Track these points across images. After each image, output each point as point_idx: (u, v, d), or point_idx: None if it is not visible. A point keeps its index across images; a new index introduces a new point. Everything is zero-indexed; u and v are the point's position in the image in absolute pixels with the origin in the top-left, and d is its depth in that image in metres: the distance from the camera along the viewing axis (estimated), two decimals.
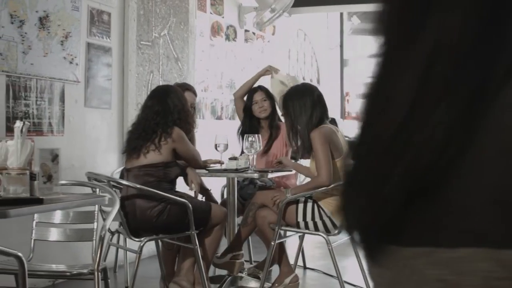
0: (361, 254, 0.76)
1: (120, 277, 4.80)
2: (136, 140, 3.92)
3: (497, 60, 0.59)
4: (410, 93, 0.61)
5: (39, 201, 2.35)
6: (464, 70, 0.59)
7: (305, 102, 4.01)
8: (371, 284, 0.73)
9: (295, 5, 7.22)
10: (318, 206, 4.03)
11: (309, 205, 4.03)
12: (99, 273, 2.82)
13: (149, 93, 5.51)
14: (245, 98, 4.89)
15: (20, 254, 2.21)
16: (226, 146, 4.44)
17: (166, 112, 3.94)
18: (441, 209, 0.61)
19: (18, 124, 2.55)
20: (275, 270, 4.47)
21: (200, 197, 4.35)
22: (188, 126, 4.00)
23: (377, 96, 0.66)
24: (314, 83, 9.37)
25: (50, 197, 2.49)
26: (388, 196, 0.63)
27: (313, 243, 5.81)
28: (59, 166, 2.60)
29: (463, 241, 0.58)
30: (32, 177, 2.49)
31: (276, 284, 4.22)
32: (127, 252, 4.52)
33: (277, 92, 4.72)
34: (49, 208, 2.51)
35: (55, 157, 2.61)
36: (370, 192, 0.66)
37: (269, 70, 4.90)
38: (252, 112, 4.79)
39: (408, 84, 0.62)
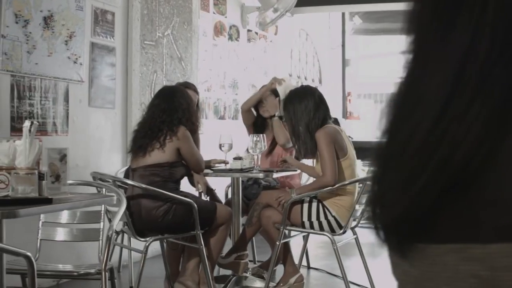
0: (386, 253, 0.75)
1: (124, 277, 4.80)
2: (142, 138, 3.92)
3: None
4: (445, 89, 0.61)
5: (48, 201, 2.35)
6: (497, 68, 0.59)
7: (307, 104, 4.02)
8: (396, 283, 0.73)
9: (298, 4, 7.23)
10: (323, 206, 4.03)
11: (314, 204, 4.03)
12: (106, 273, 2.82)
13: (155, 92, 5.54)
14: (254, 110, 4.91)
15: (29, 254, 2.21)
16: (231, 146, 4.44)
17: (172, 110, 3.94)
18: (475, 204, 0.60)
19: (26, 123, 2.55)
20: (279, 270, 4.46)
21: (204, 197, 4.35)
22: (193, 126, 4.00)
23: (410, 93, 0.66)
24: (316, 83, 9.37)
25: (58, 197, 2.49)
26: (421, 191, 0.63)
27: (316, 243, 5.81)
28: (68, 166, 2.59)
29: (499, 236, 0.58)
30: (41, 177, 2.48)
31: (281, 284, 4.22)
32: (131, 252, 4.52)
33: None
34: (58, 208, 2.50)
35: (63, 157, 2.61)
36: (403, 186, 0.65)
37: (274, 83, 4.87)
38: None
39: (443, 81, 0.61)
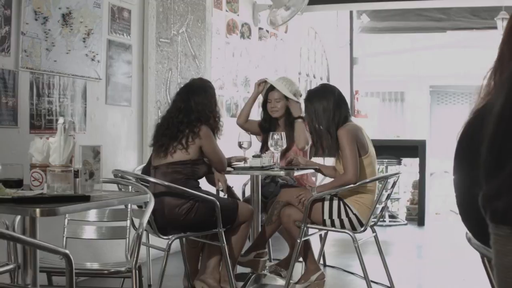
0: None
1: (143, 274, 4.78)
2: (162, 137, 3.92)
3: None
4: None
5: (86, 199, 2.34)
6: None
7: (328, 102, 4.02)
8: (498, 272, 0.73)
9: (307, 3, 7.22)
10: (344, 204, 4.02)
11: (335, 202, 4.03)
12: (137, 271, 2.82)
13: (169, 90, 5.53)
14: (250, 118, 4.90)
15: (67, 251, 2.20)
16: (250, 144, 4.44)
17: (188, 110, 3.93)
18: None
19: (61, 120, 2.54)
20: (297, 267, 4.46)
21: (222, 194, 4.34)
22: (215, 124, 3.97)
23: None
24: (324, 81, 9.37)
25: (93, 194, 2.48)
26: None
27: (330, 240, 5.81)
28: (101, 163, 2.59)
29: None
30: (75, 174, 2.48)
31: (302, 281, 4.22)
32: (150, 249, 4.51)
33: (282, 87, 4.69)
34: (95, 205, 2.49)
35: (96, 154, 2.60)
36: None
37: (260, 85, 4.86)
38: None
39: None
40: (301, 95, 4.78)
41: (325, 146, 4.01)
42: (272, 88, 4.77)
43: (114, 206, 2.99)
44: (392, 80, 13.34)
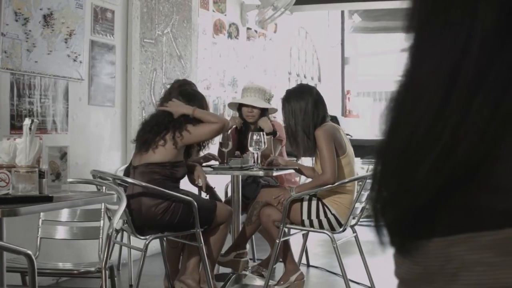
0: (385, 251, 0.75)
1: (123, 275, 4.80)
2: (148, 133, 3.90)
3: None
4: (444, 84, 0.62)
5: (49, 199, 2.35)
6: (498, 59, 0.60)
7: (306, 102, 4.02)
8: (397, 284, 0.73)
9: (297, 3, 7.23)
10: (323, 204, 4.03)
11: (314, 203, 4.04)
12: (106, 271, 2.82)
13: (154, 91, 5.54)
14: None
15: (29, 252, 2.21)
16: (230, 144, 4.44)
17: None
18: (481, 193, 0.60)
19: (26, 121, 2.55)
20: (279, 268, 4.47)
21: (204, 195, 4.35)
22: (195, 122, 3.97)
23: (412, 86, 0.67)
24: (315, 81, 9.38)
25: (59, 195, 2.49)
26: (423, 185, 0.63)
27: (315, 241, 5.81)
28: (68, 164, 2.59)
29: (506, 221, 0.58)
30: (41, 175, 2.48)
31: (282, 282, 4.22)
32: (131, 250, 4.52)
33: (253, 100, 4.65)
34: (59, 206, 2.50)
35: (63, 155, 2.61)
36: (405, 182, 0.66)
37: (237, 121, 4.77)
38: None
39: (441, 76, 0.62)
40: (273, 96, 4.79)
41: (301, 146, 4.02)
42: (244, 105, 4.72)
43: (80, 207, 3.00)
44: (384, 80, 13.35)
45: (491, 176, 0.60)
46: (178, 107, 3.91)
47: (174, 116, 3.87)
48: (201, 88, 5.83)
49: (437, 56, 0.63)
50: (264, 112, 4.70)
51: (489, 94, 0.59)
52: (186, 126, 3.86)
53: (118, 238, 4.56)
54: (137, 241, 4.05)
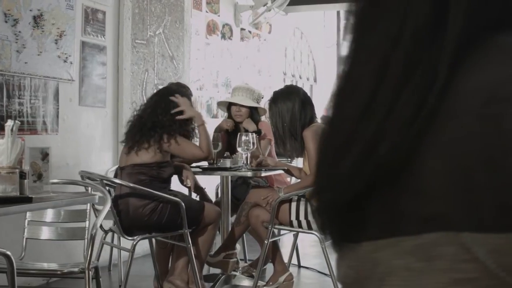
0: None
1: (114, 276, 4.80)
2: (136, 134, 3.89)
3: (447, 44, 0.58)
4: (373, 77, 0.61)
5: (28, 200, 2.35)
6: (422, 54, 0.59)
7: (294, 102, 4.02)
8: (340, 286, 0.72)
9: (292, 3, 7.23)
10: (311, 205, 4.03)
11: (302, 203, 4.04)
12: (90, 272, 2.82)
13: (146, 91, 5.54)
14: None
15: (8, 252, 2.21)
16: (220, 145, 4.44)
17: (167, 112, 3.91)
18: (401, 196, 0.60)
19: (9, 122, 2.55)
20: (269, 269, 4.47)
21: (194, 196, 4.35)
22: (188, 133, 3.97)
23: (345, 81, 0.66)
24: (311, 81, 9.38)
25: (40, 195, 2.49)
26: (347, 186, 0.63)
27: (307, 241, 5.81)
28: (50, 164, 2.60)
29: (426, 226, 0.58)
30: (22, 175, 2.49)
31: (271, 283, 4.22)
32: (121, 251, 4.52)
33: (242, 100, 4.66)
34: (38, 206, 2.51)
35: (45, 156, 2.61)
36: (330, 181, 0.65)
37: (228, 124, 4.77)
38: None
39: (371, 69, 0.61)
40: (263, 97, 4.79)
41: (289, 147, 4.02)
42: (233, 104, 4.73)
43: (64, 207, 3.00)
44: None
45: (412, 179, 0.59)
46: (190, 109, 3.94)
47: (183, 114, 3.89)
48: (194, 89, 5.83)
49: (370, 47, 0.63)
50: (253, 112, 4.70)
51: (415, 91, 0.59)
52: (177, 136, 3.85)
53: (108, 239, 4.56)
54: (127, 242, 4.05)
